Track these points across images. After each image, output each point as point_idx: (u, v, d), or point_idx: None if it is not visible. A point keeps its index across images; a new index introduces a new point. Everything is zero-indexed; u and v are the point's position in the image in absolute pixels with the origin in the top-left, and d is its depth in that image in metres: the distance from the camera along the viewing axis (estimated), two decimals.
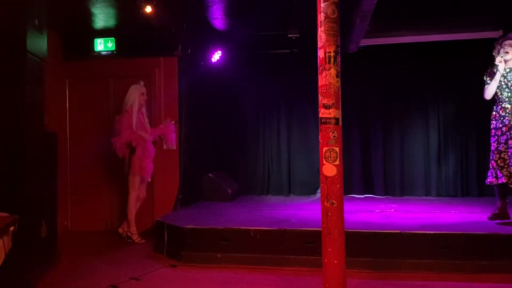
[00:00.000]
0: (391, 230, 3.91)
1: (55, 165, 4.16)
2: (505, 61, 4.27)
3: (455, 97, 6.42)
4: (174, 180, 5.51)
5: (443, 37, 5.59)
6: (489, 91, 4.33)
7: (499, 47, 4.33)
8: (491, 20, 5.38)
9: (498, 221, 4.23)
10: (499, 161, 4.23)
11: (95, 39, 5.70)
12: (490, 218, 4.32)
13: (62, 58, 5.72)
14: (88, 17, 5.17)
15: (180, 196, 5.45)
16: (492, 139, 4.34)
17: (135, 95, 5.01)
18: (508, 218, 4.26)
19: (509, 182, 4.17)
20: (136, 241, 4.98)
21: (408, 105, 6.54)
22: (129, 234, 5.04)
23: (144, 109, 5.13)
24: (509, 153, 4.15)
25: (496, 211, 4.31)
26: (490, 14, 5.32)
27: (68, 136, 5.82)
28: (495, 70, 4.30)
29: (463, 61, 6.17)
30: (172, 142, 5.22)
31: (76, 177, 5.76)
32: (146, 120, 5.14)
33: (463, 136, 6.39)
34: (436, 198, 6.28)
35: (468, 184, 6.33)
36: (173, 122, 5.29)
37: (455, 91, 6.38)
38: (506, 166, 4.20)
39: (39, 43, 3.59)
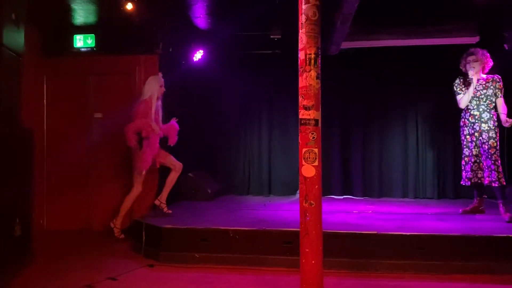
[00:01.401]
0: (368, 231, 3.96)
1: (31, 162, 4.07)
2: (473, 73, 4.66)
3: (433, 100, 6.53)
4: (154, 179, 5.46)
5: (421, 42, 5.69)
6: (464, 101, 4.71)
7: (464, 62, 4.75)
8: (468, 26, 5.51)
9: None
10: (474, 165, 4.70)
11: (74, 36, 5.60)
12: (462, 213, 4.91)
13: (41, 54, 5.61)
14: (67, 13, 5.09)
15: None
16: (467, 145, 4.75)
17: (155, 86, 4.94)
18: (481, 212, 4.84)
19: (490, 183, 4.53)
20: (116, 235, 4.95)
21: (388, 107, 6.64)
22: (112, 225, 4.99)
23: (160, 103, 5.06)
24: (486, 155, 4.53)
25: (467, 208, 4.92)
26: (467, 21, 5.44)
27: (45, 133, 5.70)
28: (468, 81, 4.67)
29: (441, 66, 6.28)
30: (173, 141, 5.14)
31: (53, 174, 5.65)
32: (161, 114, 5.08)
33: (440, 139, 6.52)
34: (413, 199, 6.39)
35: (445, 186, 6.46)
36: (177, 120, 5.23)
37: (433, 95, 6.50)
38: (479, 170, 4.68)
39: (16, 38, 3.52)
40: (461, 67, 4.81)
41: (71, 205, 5.62)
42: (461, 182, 4.87)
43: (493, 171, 4.45)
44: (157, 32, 5.42)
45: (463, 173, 4.80)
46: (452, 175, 6.43)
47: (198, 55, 6.10)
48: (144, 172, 4.94)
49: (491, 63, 4.72)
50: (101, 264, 4.07)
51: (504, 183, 4.49)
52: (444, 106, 6.47)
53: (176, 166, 5.06)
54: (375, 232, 3.90)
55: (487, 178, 4.55)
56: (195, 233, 4.12)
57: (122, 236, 4.96)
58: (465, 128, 4.76)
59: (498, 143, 4.54)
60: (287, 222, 4.36)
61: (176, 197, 5.92)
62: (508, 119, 4.50)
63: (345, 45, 5.79)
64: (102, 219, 5.51)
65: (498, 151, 4.52)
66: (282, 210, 5.33)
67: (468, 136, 4.73)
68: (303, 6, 2.73)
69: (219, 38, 6.01)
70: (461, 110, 4.80)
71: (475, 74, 4.62)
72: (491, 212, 4.87)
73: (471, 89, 4.63)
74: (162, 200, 5.05)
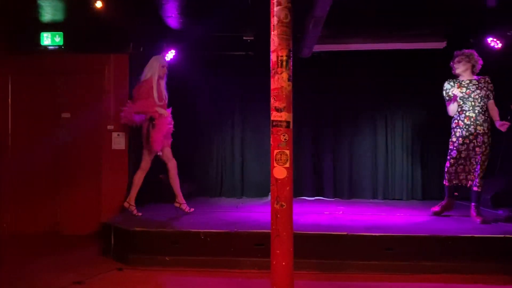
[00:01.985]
0: (338, 232, 4.00)
1: None
2: (462, 75, 4.67)
3: (402, 103, 6.67)
4: (123, 181, 5.36)
5: (391, 46, 5.81)
6: (452, 110, 4.68)
7: (453, 64, 4.74)
8: (435, 32, 5.65)
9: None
10: (459, 168, 4.63)
11: (41, 33, 5.43)
12: (433, 214, 4.91)
13: (6, 52, 5.42)
14: (34, 9, 4.93)
15: None
16: (458, 147, 4.60)
17: (156, 66, 4.84)
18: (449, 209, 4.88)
19: (470, 186, 4.58)
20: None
21: (358, 110, 6.73)
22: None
23: (163, 83, 4.96)
24: (477, 159, 4.49)
25: (437, 209, 4.92)
26: (434, 26, 5.58)
27: (10, 132, 5.51)
28: (453, 93, 4.65)
29: (410, 70, 6.44)
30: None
31: (19, 176, 5.46)
32: (166, 94, 4.98)
33: (408, 141, 6.65)
34: (382, 201, 6.50)
35: (413, 188, 6.60)
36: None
37: (402, 98, 6.64)
38: (464, 172, 4.61)
39: None
40: (452, 72, 4.77)
41: (38, 207, 5.44)
42: (444, 182, 4.78)
43: (477, 177, 4.45)
44: (128, 31, 5.32)
45: (446, 175, 4.70)
46: (420, 177, 6.58)
47: (170, 55, 6.03)
48: (153, 154, 4.88)
49: (481, 62, 4.66)
50: (68, 268, 3.96)
51: (481, 189, 4.51)
52: (413, 110, 6.65)
53: (171, 162, 4.97)
54: (345, 233, 3.95)
55: (469, 181, 4.55)
56: (165, 236, 4.06)
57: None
58: (458, 129, 4.62)
59: (489, 148, 4.49)
60: (259, 224, 4.36)
61: (147, 199, 5.83)
62: (502, 122, 4.40)
63: (318, 48, 5.84)
64: (71, 222, 5.37)
65: (488, 157, 4.48)
66: (255, 212, 5.32)
67: (460, 138, 4.58)
68: (275, 8, 2.73)
69: (191, 38, 5.95)
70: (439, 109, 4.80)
71: (464, 74, 4.62)
72: (457, 213, 5.01)
73: (456, 100, 4.60)
74: (130, 202, 4.94)
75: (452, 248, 3.85)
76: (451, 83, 4.71)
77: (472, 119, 4.54)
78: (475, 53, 4.68)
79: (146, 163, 4.94)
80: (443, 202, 4.92)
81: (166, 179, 6.04)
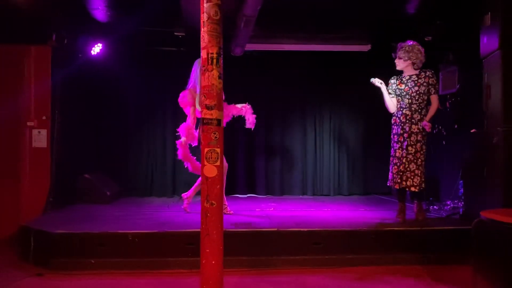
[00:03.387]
0: (269, 228, 4.06)
1: None
2: (404, 70, 4.49)
3: (331, 103, 6.93)
4: (45, 181, 5.05)
5: (320, 48, 6.01)
6: (390, 106, 4.51)
7: (394, 56, 4.56)
8: (361, 35, 5.93)
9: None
10: (401, 167, 4.38)
11: None
12: (402, 222, 4.45)
13: None
14: None
15: (51, 199, 5.01)
16: (393, 145, 4.49)
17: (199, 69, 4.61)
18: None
19: (408, 188, 4.39)
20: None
21: (289, 109, 6.88)
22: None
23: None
24: (409, 159, 4.35)
25: (400, 220, 4.48)
26: (360, 30, 5.86)
27: None
28: (400, 79, 4.52)
29: (339, 70, 6.71)
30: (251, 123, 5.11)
31: None
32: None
33: (336, 140, 6.93)
34: (311, 197, 6.71)
35: (340, 185, 6.89)
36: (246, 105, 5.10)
37: (331, 98, 6.90)
38: (403, 172, 4.37)
39: None
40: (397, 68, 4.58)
41: None
42: (387, 183, 4.58)
43: (416, 176, 4.32)
44: (50, 22, 5.01)
45: (390, 174, 4.52)
46: (346, 174, 6.88)
47: (96, 49, 5.76)
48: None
49: (422, 59, 4.42)
50: None
51: (423, 187, 4.37)
52: (341, 109, 6.93)
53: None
54: (276, 229, 4.01)
55: (406, 182, 4.36)
56: (91, 238, 3.88)
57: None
58: (395, 127, 4.49)
59: (425, 147, 4.36)
60: (191, 223, 4.30)
61: (71, 200, 5.54)
62: (426, 123, 4.31)
63: (250, 47, 5.89)
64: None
65: (424, 156, 4.35)
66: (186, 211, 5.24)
67: (395, 136, 4.47)
68: (205, 5, 2.71)
69: (120, 32, 5.71)
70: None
71: (404, 70, 4.48)
72: (379, 208, 5.29)
73: (385, 94, 4.48)
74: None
75: (375, 241, 4.05)
76: (394, 80, 4.57)
77: (408, 117, 4.39)
78: (416, 47, 4.42)
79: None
80: (399, 208, 4.56)
81: (92, 178, 5.80)
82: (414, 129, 4.36)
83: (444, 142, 5.67)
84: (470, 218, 3.84)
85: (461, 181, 4.87)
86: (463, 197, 4.66)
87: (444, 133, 5.65)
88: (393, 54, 4.67)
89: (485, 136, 3.58)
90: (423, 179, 4.36)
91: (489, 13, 3.59)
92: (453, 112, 5.51)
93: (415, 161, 4.35)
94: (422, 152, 4.36)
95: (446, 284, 3.51)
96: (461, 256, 3.90)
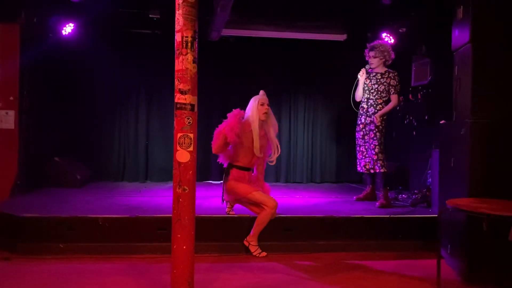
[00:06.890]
0: (241, 215, 4.08)
1: None
2: (376, 67, 4.87)
3: (306, 91, 6.97)
4: (12, 164, 4.90)
5: (295, 35, 6.03)
6: (356, 95, 4.98)
7: (367, 55, 4.93)
8: (337, 25, 5.96)
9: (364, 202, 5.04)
10: (359, 154, 4.99)
11: None
12: (356, 199, 5.12)
13: None
14: None
15: (18, 182, 4.88)
16: (355, 134, 5.04)
17: (254, 105, 4.41)
18: (373, 200, 5.01)
19: (367, 171, 4.94)
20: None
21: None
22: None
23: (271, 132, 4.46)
24: (366, 146, 4.88)
25: (360, 196, 5.14)
26: (336, 19, 5.89)
27: None
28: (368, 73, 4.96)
29: (315, 59, 6.74)
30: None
31: None
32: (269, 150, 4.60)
33: (309, 128, 6.99)
34: (284, 184, 6.77)
35: (312, 172, 6.97)
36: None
37: (306, 86, 6.93)
38: (363, 158, 4.94)
39: None
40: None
41: None
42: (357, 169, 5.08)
43: (377, 161, 4.77)
44: None
45: (357, 160, 5.06)
46: (319, 162, 6.97)
47: (68, 29, 5.59)
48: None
49: (393, 57, 4.87)
50: None
51: (386, 170, 4.79)
52: (315, 98, 6.98)
53: None
54: (248, 216, 4.04)
55: (365, 167, 4.91)
56: (60, 222, 3.82)
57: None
58: (358, 116, 5.00)
59: (380, 134, 4.77)
60: (162, 208, 4.28)
61: (40, 183, 5.41)
62: (377, 117, 4.74)
63: (227, 32, 5.84)
64: None
65: (378, 142, 4.77)
66: (159, 196, 5.21)
67: (356, 126, 5.02)
68: None
69: (93, 13, 5.55)
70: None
71: (373, 67, 4.87)
72: (350, 196, 5.39)
73: (360, 85, 4.91)
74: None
75: (346, 228, 4.13)
76: (364, 73, 4.94)
77: (364, 110, 4.93)
78: (387, 46, 4.92)
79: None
80: (365, 191, 5.18)
81: (62, 161, 5.67)
82: (367, 120, 4.86)
83: (414, 133, 5.80)
84: (437, 207, 3.97)
85: (429, 171, 5.00)
86: (431, 187, 4.80)
87: (415, 124, 5.77)
88: (365, 55, 4.95)
89: (454, 127, 3.67)
90: (383, 163, 4.78)
91: (461, 6, 3.64)
92: (424, 103, 5.62)
93: (372, 148, 4.80)
94: (376, 138, 4.79)
95: (414, 269, 3.62)
96: (428, 242, 4.03)
